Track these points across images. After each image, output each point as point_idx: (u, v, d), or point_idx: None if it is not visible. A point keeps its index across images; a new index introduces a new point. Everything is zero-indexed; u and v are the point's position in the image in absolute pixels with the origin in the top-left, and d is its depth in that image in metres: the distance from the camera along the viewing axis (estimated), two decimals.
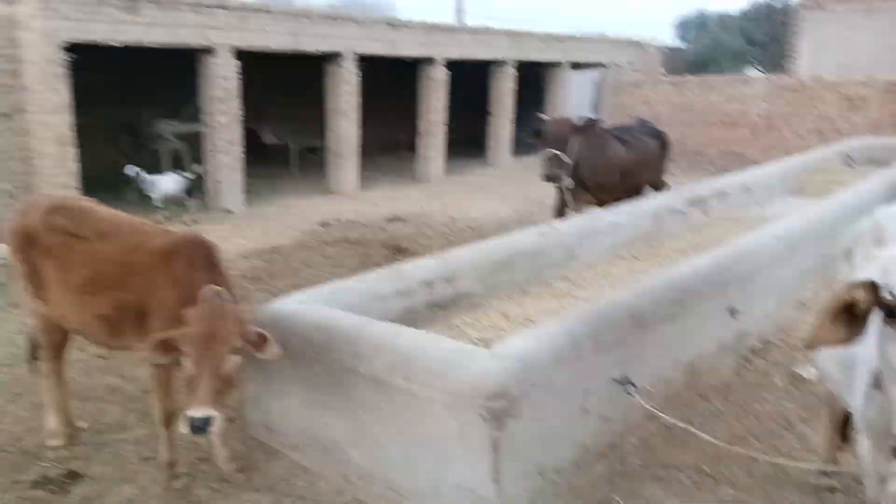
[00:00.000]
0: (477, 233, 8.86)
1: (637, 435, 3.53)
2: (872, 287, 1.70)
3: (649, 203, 6.74)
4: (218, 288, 2.87)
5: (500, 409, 2.66)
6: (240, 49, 10.13)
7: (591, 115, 7.72)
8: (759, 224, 6.47)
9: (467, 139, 16.51)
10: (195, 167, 9.95)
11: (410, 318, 4.29)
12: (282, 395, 3.53)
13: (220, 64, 10.04)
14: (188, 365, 2.70)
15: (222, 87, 10.12)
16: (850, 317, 1.74)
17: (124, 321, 3.17)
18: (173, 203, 9.67)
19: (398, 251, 7.81)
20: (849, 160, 10.99)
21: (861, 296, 1.70)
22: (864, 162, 11.09)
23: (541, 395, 2.91)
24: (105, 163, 10.53)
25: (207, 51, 9.94)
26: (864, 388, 2.00)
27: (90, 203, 3.57)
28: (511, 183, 12.62)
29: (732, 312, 4.36)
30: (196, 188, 9.77)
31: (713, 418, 3.84)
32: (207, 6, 9.71)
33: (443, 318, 4.48)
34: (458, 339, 4.27)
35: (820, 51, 17.15)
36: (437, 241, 8.38)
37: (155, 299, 3.06)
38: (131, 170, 9.32)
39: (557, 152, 6.25)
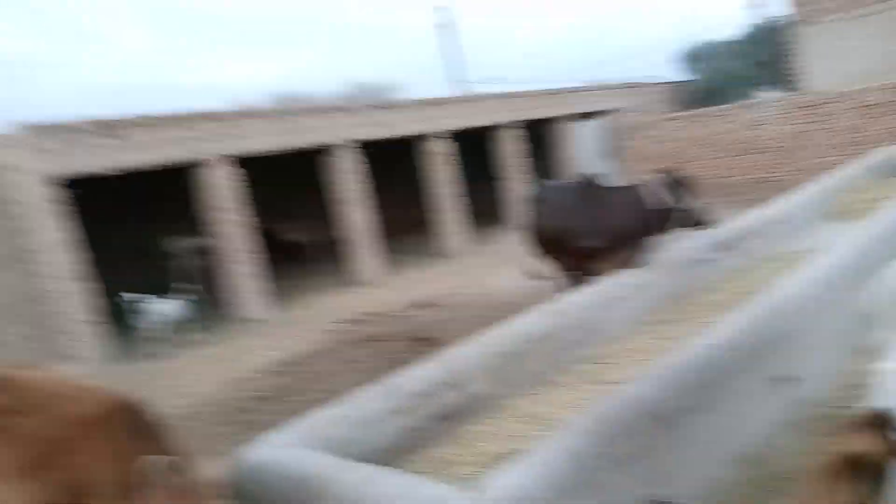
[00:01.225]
0: (512, 307, 8.29)
1: None
2: (883, 424, 1.11)
3: (674, 254, 6.17)
4: (166, 458, 2.41)
5: None
6: (236, 156, 10.05)
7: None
8: (800, 260, 5.84)
9: (491, 206, 16.15)
10: (188, 285, 9.41)
11: (411, 438, 3.77)
12: None
13: (219, 174, 9.96)
14: None
15: (224, 195, 10.00)
16: (857, 471, 1.15)
17: None
18: (178, 328, 9.00)
19: (424, 342, 7.31)
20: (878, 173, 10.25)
21: (868, 446, 1.10)
22: (892, 173, 10.33)
23: None
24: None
25: (202, 164, 9.88)
26: None
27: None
28: None
29: (783, 379, 3.74)
30: (200, 306, 9.30)
31: None
32: (192, 118, 9.66)
33: (450, 431, 3.95)
34: (469, 457, 3.73)
35: (820, 64, 16.64)
36: (470, 324, 7.81)
37: (91, 480, 2.61)
38: (127, 297, 8.74)
39: None
